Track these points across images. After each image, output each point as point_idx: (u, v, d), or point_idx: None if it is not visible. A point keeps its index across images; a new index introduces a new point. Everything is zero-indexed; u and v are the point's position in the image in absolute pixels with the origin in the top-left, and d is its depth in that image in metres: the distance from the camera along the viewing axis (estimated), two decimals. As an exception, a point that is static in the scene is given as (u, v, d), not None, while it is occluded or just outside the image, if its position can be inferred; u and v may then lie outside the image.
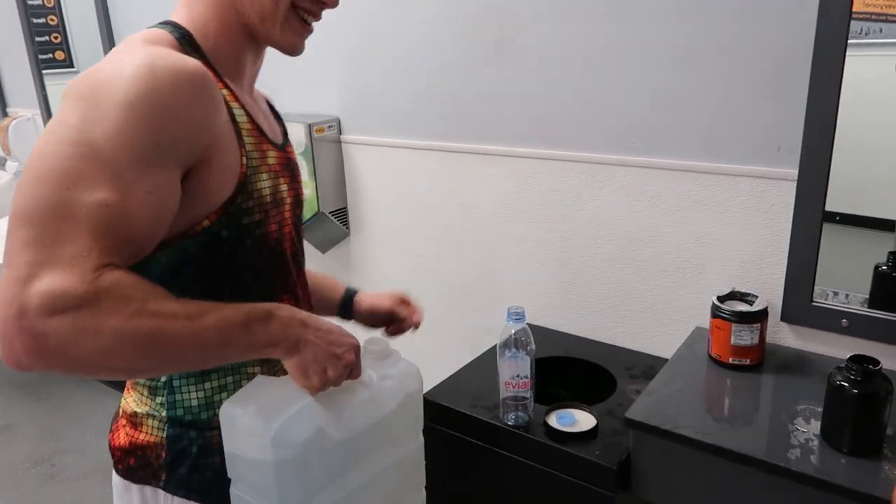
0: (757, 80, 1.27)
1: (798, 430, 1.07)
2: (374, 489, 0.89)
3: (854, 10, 1.13)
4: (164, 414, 0.86)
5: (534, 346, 1.22)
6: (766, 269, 1.33)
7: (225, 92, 0.81)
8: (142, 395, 0.89)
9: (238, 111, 0.83)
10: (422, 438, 0.97)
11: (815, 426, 1.06)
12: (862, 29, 1.15)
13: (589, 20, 1.43)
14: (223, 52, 0.84)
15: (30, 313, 0.59)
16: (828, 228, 1.24)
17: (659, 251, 1.46)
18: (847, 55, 1.15)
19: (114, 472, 0.92)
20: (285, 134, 0.99)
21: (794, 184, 1.25)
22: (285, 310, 0.76)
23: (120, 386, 0.95)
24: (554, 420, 1.26)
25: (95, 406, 2.94)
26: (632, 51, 1.39)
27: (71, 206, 0.63)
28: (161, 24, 0.83)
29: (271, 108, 1.01)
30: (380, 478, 0.89)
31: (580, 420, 1.26)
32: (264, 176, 0.84)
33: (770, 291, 1.32)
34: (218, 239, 0.80)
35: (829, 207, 1.23)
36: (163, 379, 0.86)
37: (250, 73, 0.91)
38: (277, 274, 0.90)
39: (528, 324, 1.23)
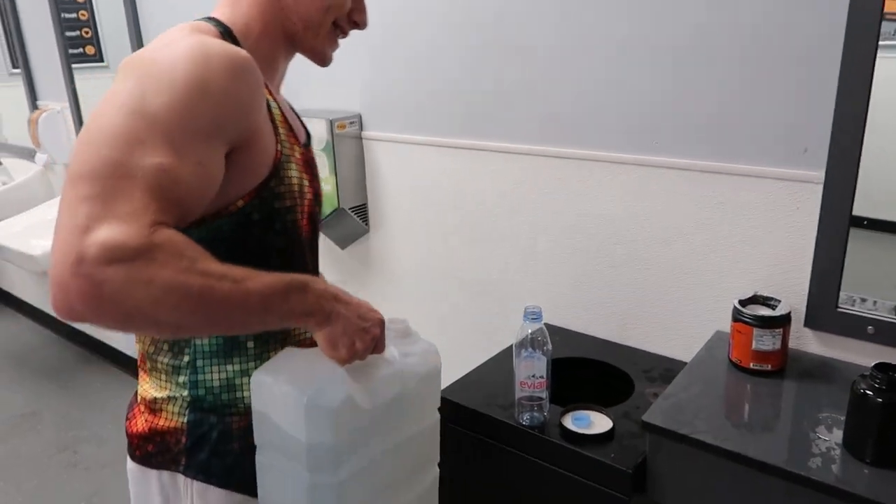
0: (784, 80, 1.24)
1: (820, 438, 1.04)
2: (394, 460, 0.93)
3: (886, 10, 1.11)
4: (185, 394, 0.89)
5: (550, 347, 1.21)
6: (789, 273, 1.31)
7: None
8: (159, 379, 0.91)
9: (272, 103, 0.88)
10: (438, 415, 1.01)
11: (838, 435, 1.04)
12: (894, 30, 1.12)
13: (608, 16, 1.41)
14: (261, 52, 0.89)
15: (87, 262, 0.62)
16: (855, 233, 1.21)
17: (680, 252, 1.44)
18: (877, 56, 1.12)
19: (128, 459, 0.94)
20: (308, 135, 1.04)
21: (821, 186, 1.22)
22: (320, 283, 0.80)
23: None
24: (569, 421, 1.25)
25: (116, 395, 2.99)
26: (654, 47, 1.37)
27: (129, 167, 0.68)
28: (203, 18, 0.88)
29: (293, 111, 1.06)
30: (399, 450, 0.93)
31: (596, 422, 1.25)
32: (293, 166, 0.89)
33: (794, 296, 1.29)
34: (249, 220, 0.84)
35: (856, 212, 1.20)
36: (186, 359, 0.88)
37: (278, 78, 0.97)
38: (299, 262, 0.94)
39: (545, 324, 1.22)
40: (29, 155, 3.28)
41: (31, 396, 3.05)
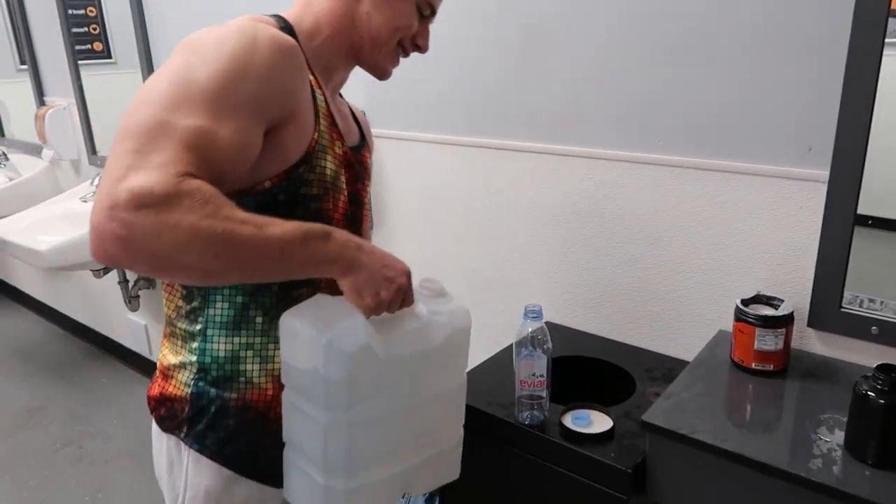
0: (788, 78, 1.23)
1: (821, 439, 1.03)
2: (415, 415, 0.95)
3: (893, 7, 1.09)
4: (194, 359, 0.94)
5: (551, 345, 1.21)
6: (793, 272, 1.30)
7: (311, 78, 0.90)
8: (175, 344, 0.97)
9: (319, 97, 0.91)
10: (465, 378, 1.02)
11: (840, 436, 1.03)
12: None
13: (614, 15, 1.41)
14: (322, 56, 0.94)
15: (120, 206, 0.67)
16: (859, 232, 1.20)
17: (682, 252, 1.43)
18: (883, 54, 1.11)
19: (153, 420, 1.02)
20: (363, 138, 1.07)
21: (825, 185, 1.21)
22: (342, 233, 0.83)
23: (148, 372, 0.99)
24: (569, 420, 1.24)
25: (122, 391, 3.00)
26: (658, 46, 1.36)
27: (169, 126, 0.73)
28: (269, 15, 0.93)
29: (355, 118, 1.10)
30: (421, 405, 0.95)
31: (596, 421, 1.25)
32: (329, 158, 0.92)
33: (797, 296, 1.28)
34: (274, 201, 0.87)
35: (861, 210, 1.19)
36: (199, 326, 0.94)
37: (335, 82, 1.01)
38: None
39: (546, 322, 1.22)
40: (35, 151, 3.29)
41: (38, 391, 3.07)
